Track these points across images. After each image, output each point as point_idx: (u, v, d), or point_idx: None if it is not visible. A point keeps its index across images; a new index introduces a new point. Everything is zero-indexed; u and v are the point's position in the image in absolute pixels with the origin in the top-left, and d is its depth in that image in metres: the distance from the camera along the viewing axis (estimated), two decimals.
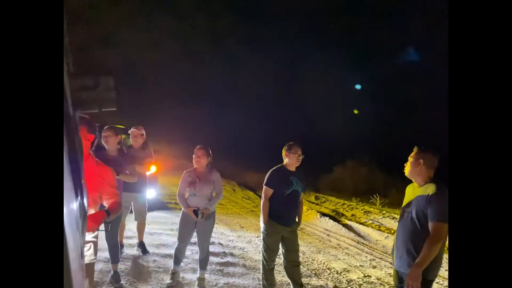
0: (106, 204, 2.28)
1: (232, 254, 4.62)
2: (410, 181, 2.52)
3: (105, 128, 3.42)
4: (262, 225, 3.34)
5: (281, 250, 3.39)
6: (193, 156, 3.38)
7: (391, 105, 24.22)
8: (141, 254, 4.07)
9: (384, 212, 8.70)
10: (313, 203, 11.36)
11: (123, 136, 3.90)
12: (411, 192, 2.42)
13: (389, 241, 6.27)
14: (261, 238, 3.36)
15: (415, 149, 2.41)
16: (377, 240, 6.56)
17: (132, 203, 4.02)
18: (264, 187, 3.33)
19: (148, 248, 4.20)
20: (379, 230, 7.00)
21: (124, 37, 24.81)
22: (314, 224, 7.91)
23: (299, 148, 3.37)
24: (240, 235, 5.79)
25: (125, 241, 4.23)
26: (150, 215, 4.40)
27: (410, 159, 2.40)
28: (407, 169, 2.41)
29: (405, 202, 2.45)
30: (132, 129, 4.08)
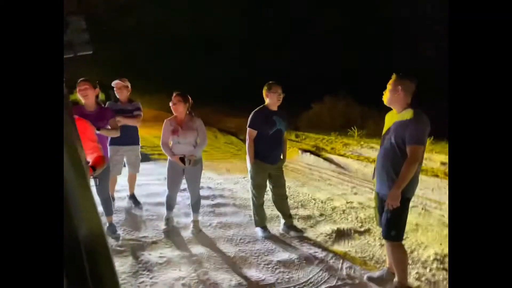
0: (89, 159, 2.25)
1: (222, 196, 4.81)
2: (386, 111, 2.59)
3: (80, 81, 3.19)
4: (249, 165, 3.44)
5: (269, 186, 3.54)
6: (170, 103, 3.31)
7: (366, 35, 23.78)
8: (133, 205, 4.16)
9: (362, 143, 9.08)
10: (294, 141, 11.66)
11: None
12: (390, 119, 2.51)
13: (368, 169, 6.66)
14: (249, 177, 3.48)
15: (393, 76, 2.44)
16: (356, 169, 6.95)
17: (125, 156, 3.99)
18: (247, 129, 3.36)
19: (138, 198, 4.29)
20: (358, 160, 7.37)
21: None
22: (297, 160, 8.21)
23: (279, 87, 3.35)
24: (227, 178, 5.98)
25: (115, 194, 4.28)
26: None
27: (389, 86, 2.44)
28: (386, 97, 2.46)
29: (385, 129, 2.55)
30: (116, 81, 3.87)
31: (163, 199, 3.63)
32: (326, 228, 3.70)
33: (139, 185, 5.09)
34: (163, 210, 3.66)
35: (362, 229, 3.71)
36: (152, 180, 5.48)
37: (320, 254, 3.08)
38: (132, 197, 4.25)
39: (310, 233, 3.55)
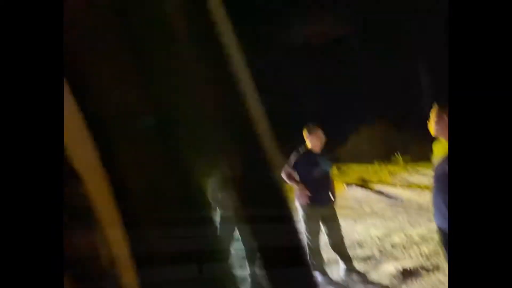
0: None
1: None
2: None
3: None
4: (299, 208, 3.39)
5: (324, 231, 3.45)
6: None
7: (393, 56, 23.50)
8: None
9: (409, 169, 8.70)
10: (336, 174, 11.41)
11: None
12: (441, 149, 2.43)
13: (422, 197, 6.30)
14: (302, 221, 3.43)
15: (434, 106, 2.40)
16: (409, 198, 6.61)
17: None
18: (288, 169, 3.35)
19: None
20: (410, 188, 7.03)
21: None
22: (343, 196, 7.98)
23: (319, 128, 3.40)
24: None
25: None
26: None
27: (433, 117, 2.40)
28: (432, 128, 2.41)
29: (435, 159, 2.46)
30: None
31: None
32: (389, 268, 3.49)
33: None
34: None
35: (430, 266, 3.45)
36: None
37: None
38: None
39: (373, 275, 3.36)
